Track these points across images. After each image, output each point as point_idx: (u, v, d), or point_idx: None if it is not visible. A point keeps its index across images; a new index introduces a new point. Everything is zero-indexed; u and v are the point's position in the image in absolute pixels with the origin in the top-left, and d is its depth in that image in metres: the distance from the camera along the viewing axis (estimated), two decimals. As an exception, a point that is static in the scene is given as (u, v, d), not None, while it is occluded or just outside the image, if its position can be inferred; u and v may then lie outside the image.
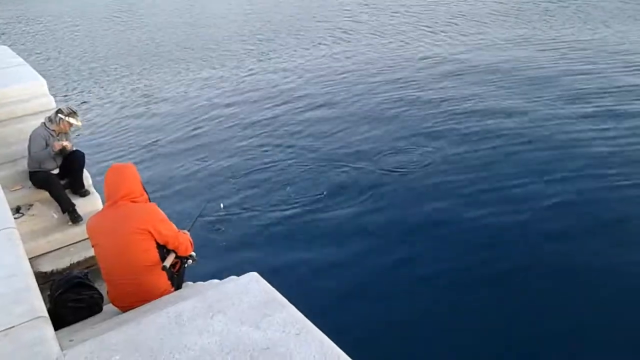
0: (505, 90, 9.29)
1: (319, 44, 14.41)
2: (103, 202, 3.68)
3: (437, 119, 8.44)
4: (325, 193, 6.72)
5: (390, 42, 13.63)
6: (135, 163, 7.66)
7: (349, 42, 14.24)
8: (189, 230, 3.73)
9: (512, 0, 16.98)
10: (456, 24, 14.69)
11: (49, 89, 6.19)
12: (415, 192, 6.54)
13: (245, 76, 12.18)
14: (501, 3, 16.94)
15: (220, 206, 6.44)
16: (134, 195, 3.29)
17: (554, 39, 11.99)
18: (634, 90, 8.60)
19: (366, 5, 19.65)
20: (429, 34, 13.97)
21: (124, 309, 3.26)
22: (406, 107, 9.10)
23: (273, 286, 2.26)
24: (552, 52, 11.11)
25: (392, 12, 17.66)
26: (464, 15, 15.70)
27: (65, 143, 5.03)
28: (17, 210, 4.83)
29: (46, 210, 4.95)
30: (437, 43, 12.87)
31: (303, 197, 6.70)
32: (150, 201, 3.47)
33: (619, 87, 8.79)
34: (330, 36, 14.81)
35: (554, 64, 10.25)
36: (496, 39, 12.63)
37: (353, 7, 19.44)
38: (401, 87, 10.07)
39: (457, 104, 8.94)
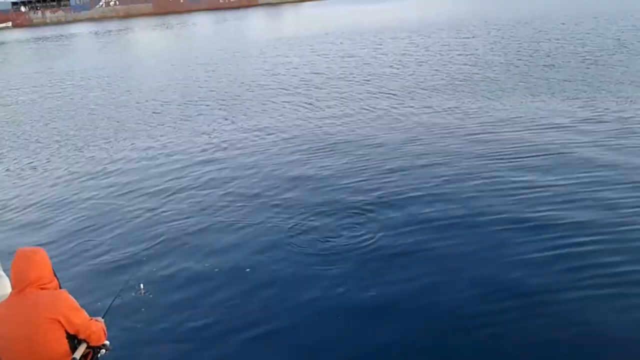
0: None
1: (247, 114, 14.73)
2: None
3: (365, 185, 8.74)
4: (249, 270, 6.66)
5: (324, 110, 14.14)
6: (44, 244, 7.38)
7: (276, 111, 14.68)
8: (103, 317, 3.61)
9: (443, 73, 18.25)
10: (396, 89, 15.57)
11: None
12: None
13: (142, 152, 12.10)
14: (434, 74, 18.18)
15: (140, 287, 6.21)
16: (42, 282, 3.19)
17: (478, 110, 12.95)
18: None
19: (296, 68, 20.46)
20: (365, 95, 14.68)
21: (30, 407, 3.06)
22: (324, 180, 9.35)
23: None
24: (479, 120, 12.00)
25: (329, 82, 18.44)
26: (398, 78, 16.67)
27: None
28: None
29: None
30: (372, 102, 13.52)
31: (229, 274, 6.59)
32: (60, 287, 3.37)
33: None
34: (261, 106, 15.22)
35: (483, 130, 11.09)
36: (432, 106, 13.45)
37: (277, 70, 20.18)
38: (329, 157, 10.40)
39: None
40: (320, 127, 12.90)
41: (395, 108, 14.10)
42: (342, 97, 15.97)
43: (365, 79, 18.71)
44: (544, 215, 7.27)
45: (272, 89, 18.31)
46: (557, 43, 22.62)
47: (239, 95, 17.73)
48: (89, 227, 8.40)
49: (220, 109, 15.98)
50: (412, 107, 14.04)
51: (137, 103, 17.95)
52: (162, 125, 14.58)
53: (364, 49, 27.18)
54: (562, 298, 5.55)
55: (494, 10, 41.69)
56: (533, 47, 22.06)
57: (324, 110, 14.53)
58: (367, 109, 14.22)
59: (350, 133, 12.11)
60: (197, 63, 27.06)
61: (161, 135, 13.49)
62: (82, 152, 12.72)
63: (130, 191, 9.72)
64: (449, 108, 13.58)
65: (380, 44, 28.40)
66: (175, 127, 14.18)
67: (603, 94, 13.72)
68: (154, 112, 16.27)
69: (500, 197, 8.00)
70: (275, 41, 35.05)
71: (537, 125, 11.45)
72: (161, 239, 7.71)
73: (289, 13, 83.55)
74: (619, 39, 21.97)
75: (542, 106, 12.98)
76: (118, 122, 15.49)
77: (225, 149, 11.83)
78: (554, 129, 11.02)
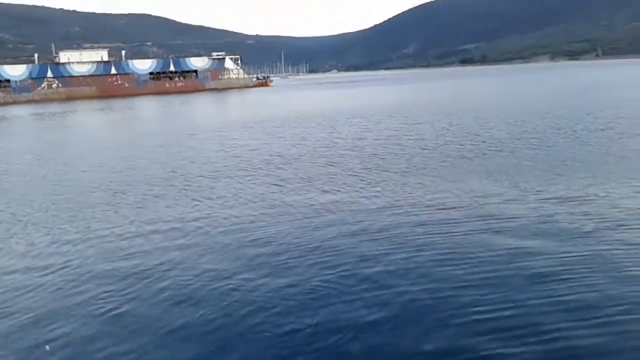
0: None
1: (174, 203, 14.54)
2: None
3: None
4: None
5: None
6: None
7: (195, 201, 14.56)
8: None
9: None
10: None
11: None
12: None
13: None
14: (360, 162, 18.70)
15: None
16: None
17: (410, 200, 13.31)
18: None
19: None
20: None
21: None
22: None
23: None
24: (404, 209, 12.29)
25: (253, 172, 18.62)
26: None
27: None
28: None
29: None
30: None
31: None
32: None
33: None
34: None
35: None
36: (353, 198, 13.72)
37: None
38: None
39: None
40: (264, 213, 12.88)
41: (330, 191, 14.33)
42: (280, 180, 16.14)
43: (313, 161, 19.09)
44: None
45: (220, 171, 18.32)
46: (489, 131, 23.95)
47: (183, 177, 17.60)
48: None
49: (168, 192, 15.74)
50: (335, 190, 14.33)
51: (71, 185, 17.45)
52: (97, 209, 14.14)
53: (319, 132, 27.95)
54: None
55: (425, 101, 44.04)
56: (465, 134, 23.27)
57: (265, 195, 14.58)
58: (313, 191, 14.40)
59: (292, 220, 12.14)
60: (136, 146, 26.91)
61: (96, 220, 13.04)
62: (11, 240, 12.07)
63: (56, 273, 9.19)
64: (387, 189, 13.94)
65: (334, 128, 29.34)
66: (104, 215, 13.73)
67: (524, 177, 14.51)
68: (91, 193, 15.84)
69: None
70: (223, 124, 35.62)
71: (469, 203, 11.90)
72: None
73: (235, 98, 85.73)
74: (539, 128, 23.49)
75: (471, 187, 13.54)
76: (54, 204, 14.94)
77: (165, 232, 11.55)
78: (483, 206, 11.48)
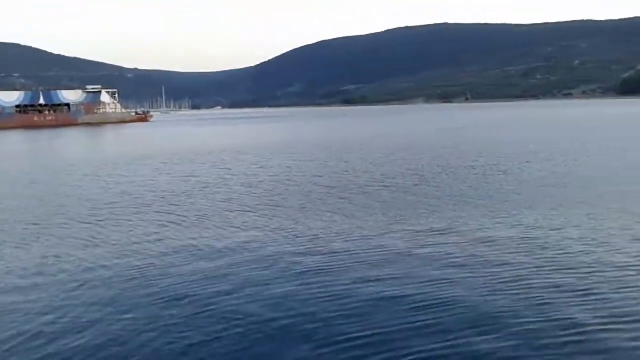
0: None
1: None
2: None
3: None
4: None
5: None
6: None
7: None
8: None
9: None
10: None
11: None
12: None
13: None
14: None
15: None
16: None
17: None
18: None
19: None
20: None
21: None
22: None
23: None
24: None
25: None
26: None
27: None
28: None
29: None
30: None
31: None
32: None
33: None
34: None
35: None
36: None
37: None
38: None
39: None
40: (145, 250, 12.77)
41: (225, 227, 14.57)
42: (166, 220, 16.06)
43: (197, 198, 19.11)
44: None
45: (104, 209, 17.69)
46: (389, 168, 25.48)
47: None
48: None
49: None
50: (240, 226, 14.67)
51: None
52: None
53: (207, 168, 27.87)
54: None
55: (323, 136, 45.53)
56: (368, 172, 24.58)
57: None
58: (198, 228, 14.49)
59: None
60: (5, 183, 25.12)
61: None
62: None
63: None
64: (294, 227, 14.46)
65: (222, 164, 29.38)
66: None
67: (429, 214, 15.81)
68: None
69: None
70: (102, 159, 34.22)
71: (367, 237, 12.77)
72: None
73: (112, 132, 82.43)
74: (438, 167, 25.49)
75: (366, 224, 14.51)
76: None
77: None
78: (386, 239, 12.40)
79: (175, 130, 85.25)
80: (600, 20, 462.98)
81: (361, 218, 14.95)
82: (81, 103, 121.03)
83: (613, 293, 8.78)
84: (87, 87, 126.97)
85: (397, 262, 10.82)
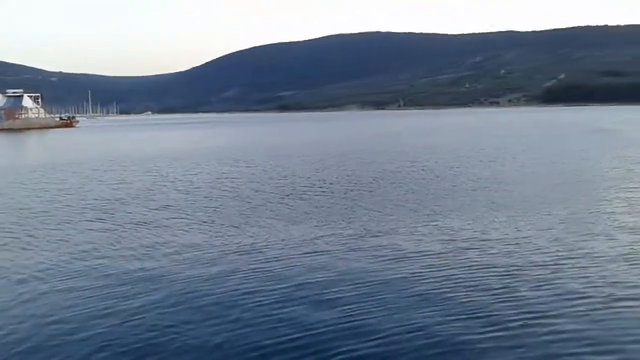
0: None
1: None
2: None
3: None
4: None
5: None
6: None
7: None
8: None
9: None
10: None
11: None
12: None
13: None
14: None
15: None
16: None
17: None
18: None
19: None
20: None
21: None
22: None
23: None
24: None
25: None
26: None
27: None
28: None
29: None
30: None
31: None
32: None
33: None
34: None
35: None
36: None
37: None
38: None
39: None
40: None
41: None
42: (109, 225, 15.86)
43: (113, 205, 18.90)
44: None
45: (35, 218, 17.16)
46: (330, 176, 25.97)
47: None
48: None
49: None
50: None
51: None
52: None
53: (140, 175, 27.37)
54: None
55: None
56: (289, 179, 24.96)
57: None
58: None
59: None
60: None
61: None
62: None
63: None
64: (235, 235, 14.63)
65: (156, 171, 28.93)
66: None
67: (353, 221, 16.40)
68: None
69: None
70: (26, 167, 32.88)
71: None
72: None
73: (36, 139, 78.99)
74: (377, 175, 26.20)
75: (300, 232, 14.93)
76: None
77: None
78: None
79: (104, 137, 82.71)
80: (525, 32, 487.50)
81: (298, 223, 15.33)
82: (2, 108, 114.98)
83: (530, 291, 9.48)
84: (8, 91, 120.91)
85: (331, 266, 11.23)
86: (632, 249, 11.78)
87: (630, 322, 8.08)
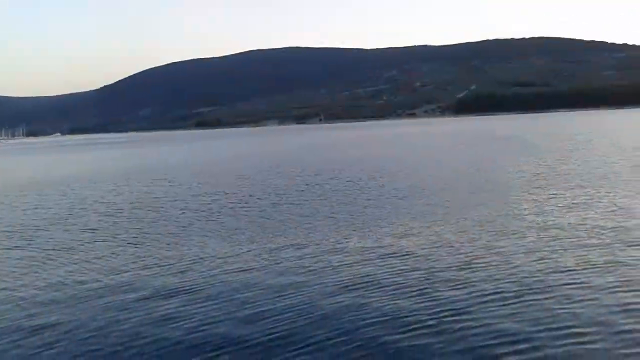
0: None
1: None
2: None
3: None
4: None
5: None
6: None
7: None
8: None
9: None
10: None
11: None
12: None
13: None
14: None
15: None
16: None
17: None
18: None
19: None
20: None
21: None
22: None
23: None
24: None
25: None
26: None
27: None
28: None
29: None
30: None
31: None
32: None
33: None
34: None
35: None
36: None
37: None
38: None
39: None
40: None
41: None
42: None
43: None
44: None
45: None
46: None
47: None
48: None
49: None
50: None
51: None
52: None
53: (58, 199, 26.34)
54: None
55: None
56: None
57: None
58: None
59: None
60: None
61: None
62: None
63: None
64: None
65: (74, 195, 27.92)
66: None
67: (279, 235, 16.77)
68: None
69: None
70: None
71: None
72: None
73: None
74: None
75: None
76: None
77: None
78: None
79: (11, 160, 78.36)
80: (437, 46, 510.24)
81: (225, 237, 15.52)
82: None
83: (447, 290, 10.18)
84: None
85: (257, 280, 11.52)
86: (538, 245, 12.96)
87: (539, 314, 8.90)
